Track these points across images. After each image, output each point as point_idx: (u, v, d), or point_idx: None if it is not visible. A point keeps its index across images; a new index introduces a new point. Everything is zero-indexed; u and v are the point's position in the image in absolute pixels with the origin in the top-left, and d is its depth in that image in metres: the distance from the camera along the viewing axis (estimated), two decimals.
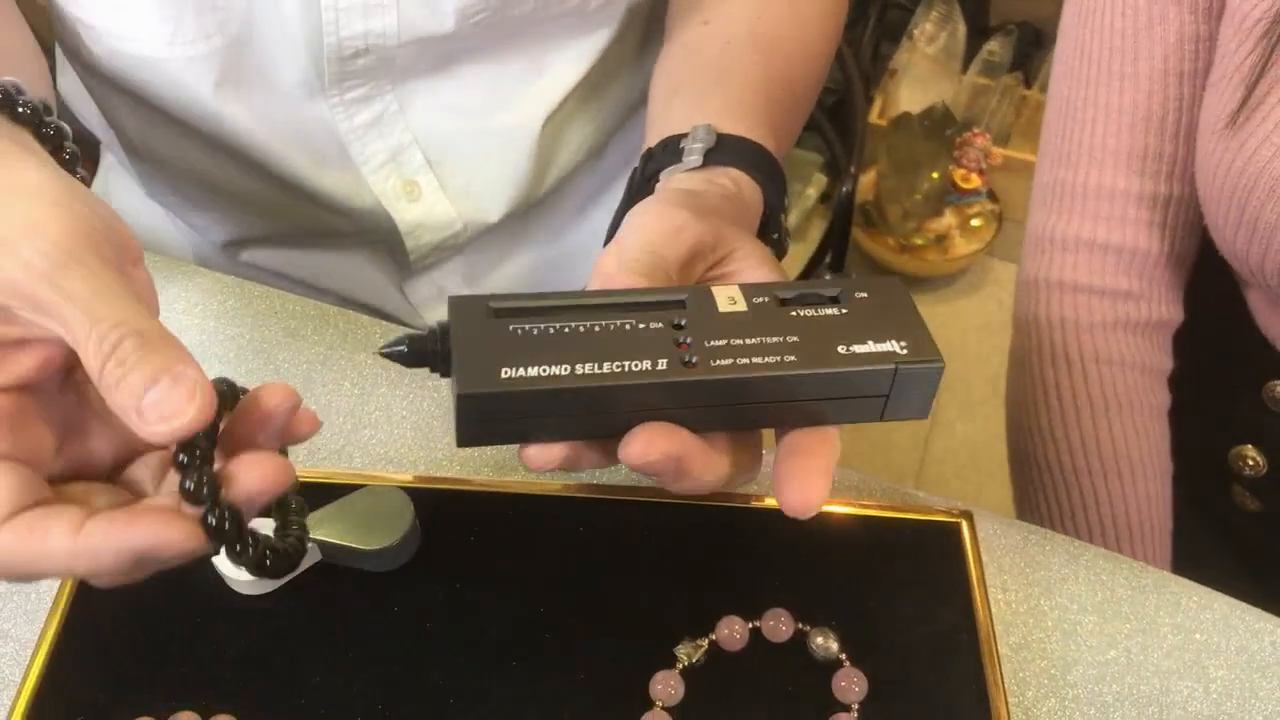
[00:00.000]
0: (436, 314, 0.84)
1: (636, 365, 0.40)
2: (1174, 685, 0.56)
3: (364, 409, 0.64)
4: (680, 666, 0.53)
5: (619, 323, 0.41)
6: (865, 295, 0.43)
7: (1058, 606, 0.58)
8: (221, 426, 0.40)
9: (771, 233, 0.57)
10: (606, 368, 0.39)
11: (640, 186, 0.57)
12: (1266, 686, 0.56)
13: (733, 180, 0.54)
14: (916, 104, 1.99)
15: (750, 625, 0.54)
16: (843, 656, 0.54)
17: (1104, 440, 0.76)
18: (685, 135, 0.56)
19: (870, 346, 0.41)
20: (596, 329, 0.41)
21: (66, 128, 0.47)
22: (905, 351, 0.41)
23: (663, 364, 0.40)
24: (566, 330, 0.40)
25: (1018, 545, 0.60)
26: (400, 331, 0.42)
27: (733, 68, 0.64)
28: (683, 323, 0.41)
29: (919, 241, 1.97)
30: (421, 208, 0.77)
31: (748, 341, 0.41)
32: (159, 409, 0.36)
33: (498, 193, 0.79)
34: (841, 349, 0.41)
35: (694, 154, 0.55)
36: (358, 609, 0.55)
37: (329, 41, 0.67)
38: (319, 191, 0.76)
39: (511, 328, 0.40)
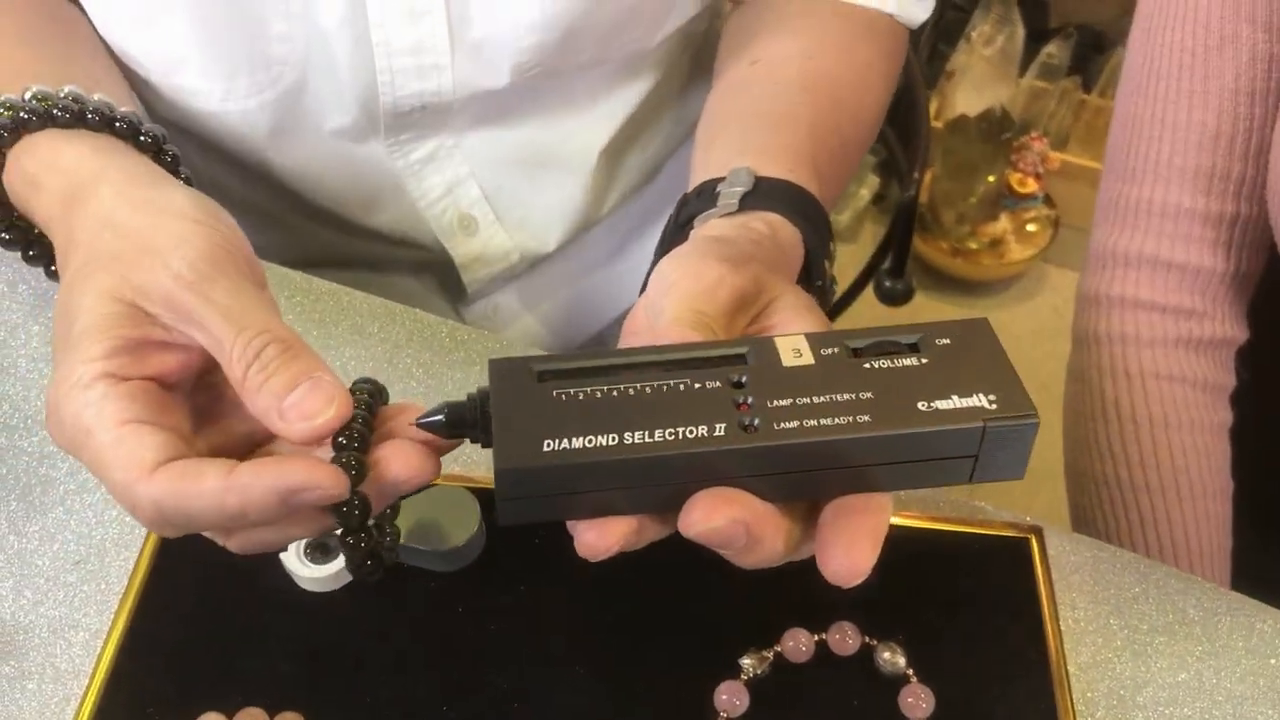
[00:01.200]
0: (493, 334, 0.83)
1: (692, 431, 0.37)
2: (1246, 711, 0.55)
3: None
4: (745, 677, 0.53)
5: (673, 383, 0.38)
6: (948, 341, 0.39)
7: (1127, 626, 0.57)
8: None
9: (815, 280, 0.54)
10: (659, 435, 0.37)
11: (674, 233, 0.55)
12: None
13: (768, 224, 0.51)
14: (973, 107, 1.97)
15: (816, 637, 0.54)
16: (910, 672, 0.53)
17: (1163, 457, 0.75)
18: (722, 179, 0.54)
19: (954, 402, 0.38)
20: (648, 390, 0.38)
21: (179, 154, 0.49)
22: (995, 406, 0.37)
23: (721, 428, 0.37)
24: (615, 394, 0.38)
25: (1087, 563, 0.59)
26: (440, 399, 0.41)
27: (778, 109, 0.62)
28: (743, 380, 0.38)
29: (973, 246, 1.95)
30: (478, 241, 0.77)
31: (816, 400, 0.38)
32: (300, 409, 0.39)
33: (554, 223, 0.78)
34: (923, 405, 0.37)
35: (729, 198, 0.53)
36: (422, 609, 0.55)
37: (385, 99, 0.68)
38: (374, 228, 0.76)
39: (555, 393, 0.38)
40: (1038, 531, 0.58)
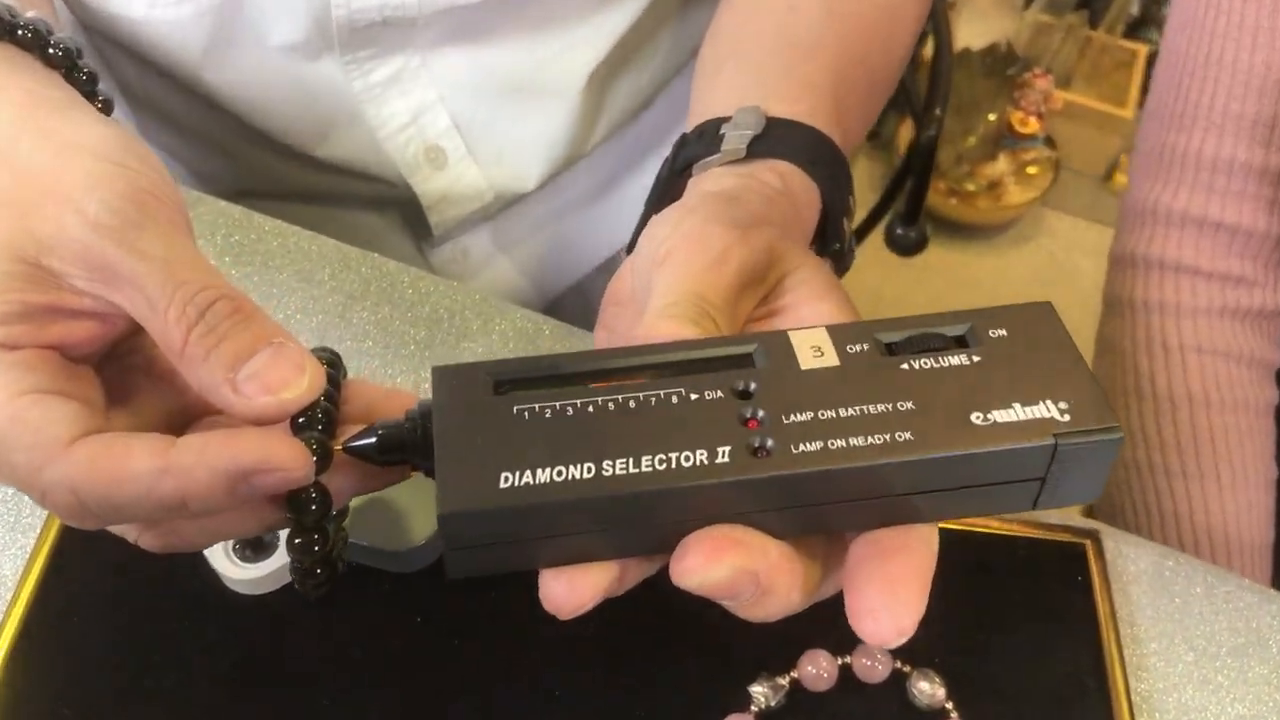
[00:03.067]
0: (460, 280, 0.74)
1: (689, 457, 0.29)
2: None
3: (387, 373, 0.55)
4: (756, 709, 0.45)
5: (664, 394, 0.30)
6: (1004, 333, 0.32)
7: (1194, 648, 0.50)
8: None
9: (832, 243, 0.47)
10: (646, 464, 0.29)
11: (669, 181, 0.47)
12: None
13: (780, 176, 0.43)
14: (976, 40, 1.88)
15: (840, 661, 0.46)
16: (949, 705, 0.45)
17: (1203, 440, 0.68)
18: (728, 119, 0.46)
19: (1017, 412, 0.30)
20: (633, 404, 0.30)
21: (96, 72, 0.40)
22: (1067, 417, 0.30)
23: (725, 453, 0.29)
24: (591, 409, 0.30)
25: (1148, 572, 0.52)
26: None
27: (797, 34, 0.53)
28: (751, 388, 0.31)
29: (971, 187, 1.86)
30: (446, 177, 0.67)
31: (843, 414, 0.30)
32: (261, 380, 0.32)
33: (534, 158, 0.69)
34: (977, 418, 0.30)
35: (736, 142, 0.44)
36: (375, 617, 0.46)
37: (338, 12, 0.58)
38: (328, 159, 0.66)
39: (517, 409, 0.30)
40: (1094, 537, 0.50)
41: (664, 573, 0.42)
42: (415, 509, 0.47)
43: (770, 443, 0.29)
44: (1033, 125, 1.86)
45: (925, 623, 0.47)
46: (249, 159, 0.69)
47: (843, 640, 0.46)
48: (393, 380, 0.54)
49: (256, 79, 0.62)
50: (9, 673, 0.43)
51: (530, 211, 0.75)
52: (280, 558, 0.46)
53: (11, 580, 0.46)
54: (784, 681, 0.45)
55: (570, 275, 0.80)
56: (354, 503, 0.46)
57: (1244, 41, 0.63)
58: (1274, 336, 0.71)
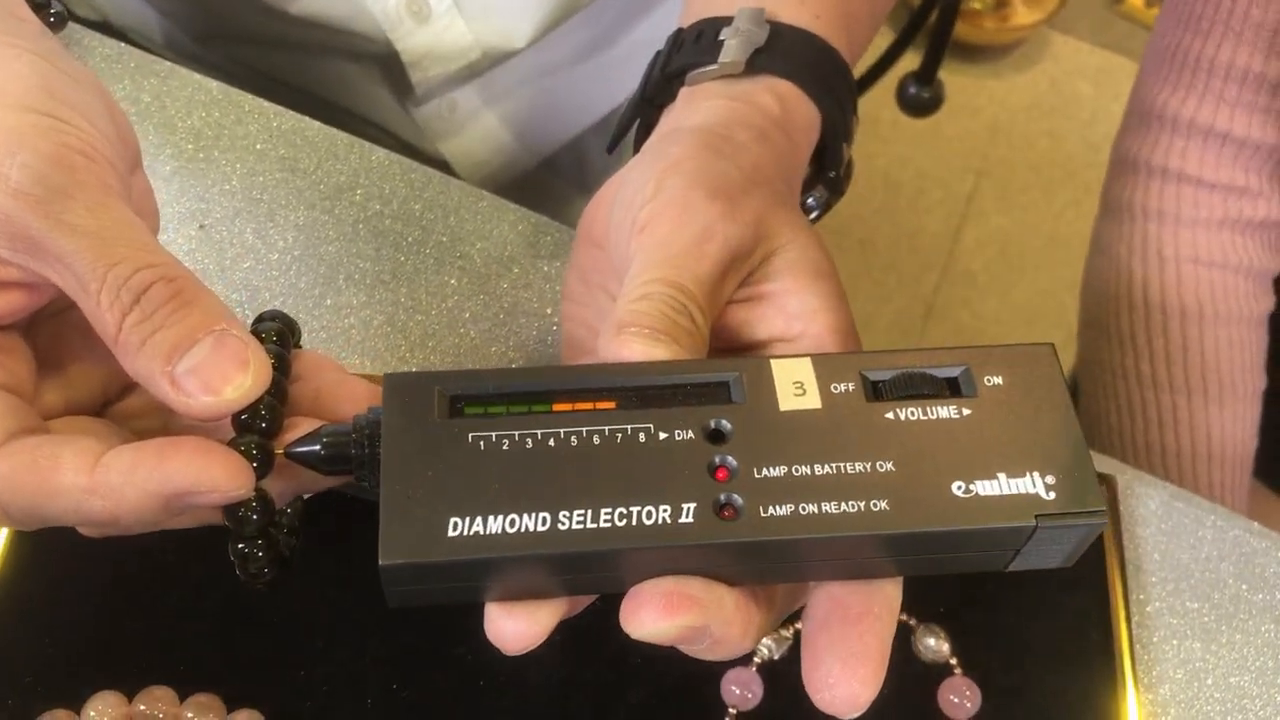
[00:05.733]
0: (447, 143, 0.70)
1: (650, 514, 0.27)
2: None
3: (379, 277, 0.52)
4: (759, 660, 0.44)
5: (631, 428, 0.29)
6: (999, 381, 0.30)
7: (1198, 595, 0.49)
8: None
9: (829, 170, 0.44)
10: (605, 518, 0.27)
11: (658, 88, 0.43)
12: None
13: (780, 101, 0.40)
14: None
15: None
16: (953, 661, 0.45)
17: (1193, 353, 0.67)
18: (727, 21, 0.42)
19: (1001, 485, 0.28)
20: (597, 440, 0.28)
21: None
22: (1053, 496, 0.28)
23: (689, 511, 0.27)
24: (552, 443, 0.28)
25: (1158, 513, 0.51)
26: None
27: None
28: (725, 429, 0.29)
29: (976, 5, 1.79)
30: (430, 31, 0.62)
31: (817, 471, 0.28)
32: (200, 377, 0.29)
33: (526, 12, 0.63)
34: (958, 489, 0.28)
35: (735, 54, 0.41)
36: (368, 561, 0.45)
37: None
38: (302, 14, 0.60)
39: (473, 437, 0.28)
40: (1109, 481, 0.49)
41: None
42: None
43: (739, 501, 0.28)
44: None
45: (931, 577, 0.46)
46: (220, 7, 0.64)
47: None
48: (384, 285, 0.51)
49: None
50: None
51: (520, 67, 0.70)
52: None
53: None
54: (787, 634, 0.45)
55: (563, 134, 0.76)
56: None
57: None
58: (1274, 244, 0.70)
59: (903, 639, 0.45)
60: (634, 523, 0.27)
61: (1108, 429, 0.70)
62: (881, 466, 0.28)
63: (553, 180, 0.78)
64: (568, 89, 0.74)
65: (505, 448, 0.28)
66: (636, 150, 0.43)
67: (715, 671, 0.44)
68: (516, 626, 0.29)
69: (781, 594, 0.31)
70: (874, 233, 1.73)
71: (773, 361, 0.30)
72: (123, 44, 0.57)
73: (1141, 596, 0.49)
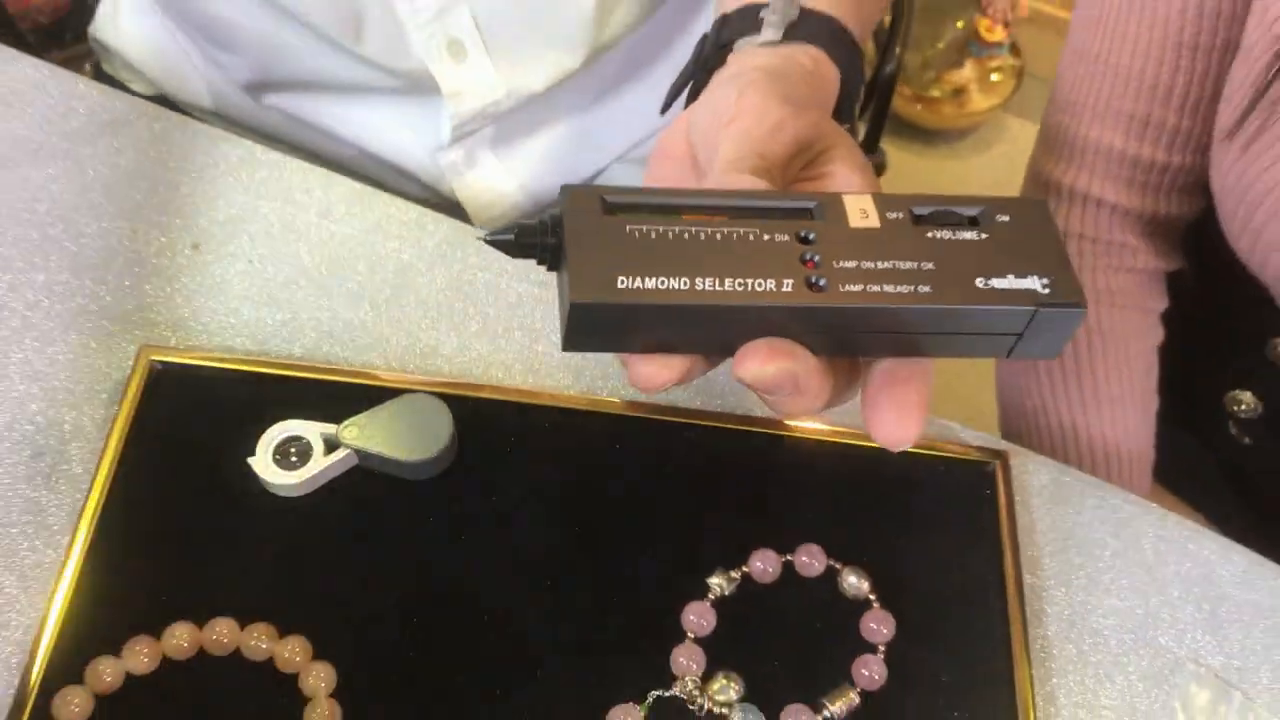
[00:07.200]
0: (463, 181, 0.82)
1: (761, 284, 0.37)
2: (1191, 638, 0.57)
3: (401, 299, 0.62)
4: (713, 597, 0.54)
5: (742, 230, 0.38)
6: (1007, 219, 0.40)
7: (1082, 553, 0.59)
8: None
9: (844, 122, 0.54)
10: (729, 284, 0.37)
11: (712, 54, 0.54)
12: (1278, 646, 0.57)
13: (812, 60, 0.51)
14: None
15: (783, 559, 0.55)
16: (872, 597, 0.54)
17: (1085, 373, 0.77)
18: (764, 4, 0.53)
19: (1010, 282, 0.38)
20: (719, 236, 0.38)
21: None
22: (1047, 291, 0.38)
23: (789, 285, 0.37)
24: (686, 235, 0.37)
25: (1047, 486, 0.61)
26: (509, 220, 0.40)
27: None
28: (811, 236, 0.38)
29: (935, 94, 1.92)
30: (466, 70, 0.74)
31: (880, 265, 0.38)
32: None
33: (544, 59, 0.76)
34: (980, 283, 0.38)
35: (774, 26, 0.52)
36: (393, 516, 0.55)
37: None
38: (357, 47, 0.72)
39: (629, 228, 0.37)
40: (1003, 457, 0.59)
41: (642, 487, 0.51)
42: (425, 431, 0.55)
43: (824, 281, 0.37)
44: (999, 33, 1.91)
45: (858, 528, 0.56)
46: (276, 42, 0.76)
47: (786, 542, 0.55)
48: (400, 304, 0.62)
49: None
50: (90, 561, 0.52)
51: (531, 112, 0.82)
52: (311, 468, 0.54)
53: (85, 480, 0.54)
54: (736, 575, 0.54)
55: (573, 176, 0.87)
56: (374, 418, 0.54)
57: (1126, 48, 0.70)
58: (1156, 287, 0.80)
59: (831, 579, 0.55)
60: (749, 289, 0.36)
61: (1023, 441, 0.80)
62: (924, 265, 0.38)
63: None
64: (569, 139, 0.86)
65: (653, 236, 0.37)
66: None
67: (674, 607, 0.53)
68: (651, 368, 0.38)
69: (846, 370, 0.40)
70: None
71: (844, 195, 0.39)
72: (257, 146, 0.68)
73: (1033, 552, 0.58)
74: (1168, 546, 0.60)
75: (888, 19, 0.99)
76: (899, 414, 0.39)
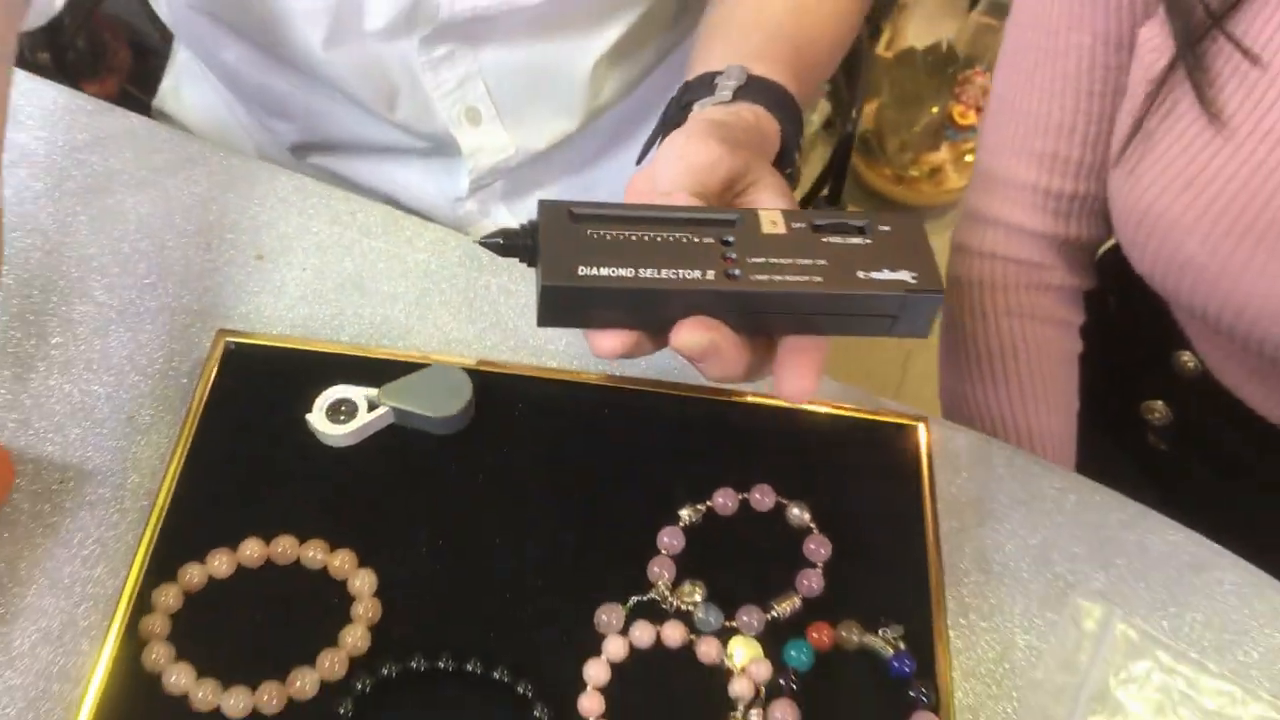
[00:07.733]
0: (479, 228, 0.95)
1: (689, 274, 0.47)
2: (1080, 568, 0.68)
3: (428, 299, 0.75)
4: (683, 524, 0.65)
5: (677, 235, 0.48)
6: (888, 230, 0.50)
7: (992, 499, 0.71)
8: None
9: (786, 167, 0.65)
10: (664, 274, 0.47)
11: (675, 114, 0.66)
12: (1156, 578, 0.69)
13: (755, 115, 0.61)
14: (923, 39, 2.08)
15: (740, 496, 0.67)
16: (813, 526, 0.66)
17: (1012, 383, 0.88)
18: (720, 73, 0.65)
19: (886, 274, 0.48)
20: (659, 240, 0.48)
21: None
22: (915, 281, 0.48)
23: (710, 275, 0.47)
24: (634, 238, 0.48)
25: (964, 447, 0.73)
26: (498, 226, 0.52)
27: (768, 22, 0.73)
28: (730, 239, 0.49)
29: (914, 173, 2.07)
30: (481, 132, 0.88)
31: (783, 261, 0.48)
32: None
33: (546, 123, 0.90)
34: (861, 274, 0.48)
35: (725, 89, 0.62)
36: (422, 461, 0.67)
37: (443, 14, 0.78)
38: (390, 115, 0.86)
39: (589, 232, 0.48)
40: (925, 420, 0.72)
41: (625, 440, 0.63)
42: (449, 394, 0.67)
43: (738, 272, 0.48)
44: (972, 118, 2.06)
45: (803, 473, 0.68)
46: (322, 112, 0.90)
47: (742, 481, 0.67)
48: (428, 298, 0.75)
49: (346, 53, 0.81)
50: (180, 489, 0.64)
51: (535, 170, 0.95)
52: (357, 423, 0.66)
53: (178, 417, 0.67)
54: (702, 508, 0.66)
55: None
56: (408, 383, 0.66)
57: (1034, 94, 0.81)
58: (1072, 302, 0.91)
59: (780, 512, 0.67)
60: (680, 277, 0.47)
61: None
62: (818, 261, 0.49)
63: None
64: (573, 192, 0.99)
65: (608, 238, 0.48)
66: None
67: (651, 532, 0.65)
68: (606, 339, 0.49)
69: (762, 349, 0.51)
70: (836, 368, 1.96)
71: (759, 210, 0.51)
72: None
73: (952, 495, 0.70)
74: (1065, 496, 0.71)
75: (840, 79, 1.13)
76: (798, 373, 0.50)
